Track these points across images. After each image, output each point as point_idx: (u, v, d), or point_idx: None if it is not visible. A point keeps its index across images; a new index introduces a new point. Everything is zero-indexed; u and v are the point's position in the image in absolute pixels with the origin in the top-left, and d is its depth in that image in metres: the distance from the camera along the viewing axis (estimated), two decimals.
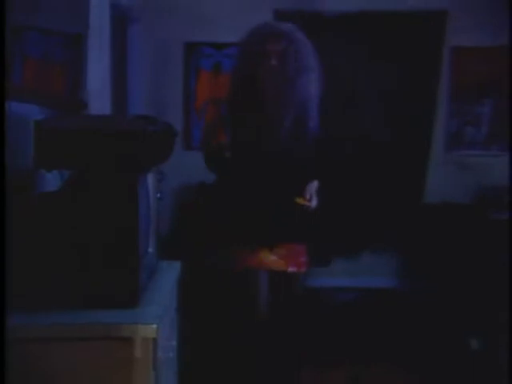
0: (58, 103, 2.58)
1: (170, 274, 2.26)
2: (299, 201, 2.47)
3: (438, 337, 3.80)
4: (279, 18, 4.16)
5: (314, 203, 2.49)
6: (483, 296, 4.09)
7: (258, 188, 2.49)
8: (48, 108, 2.37)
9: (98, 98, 3.19)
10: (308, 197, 2.48)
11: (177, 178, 3.80)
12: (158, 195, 2.29)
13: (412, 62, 4.64)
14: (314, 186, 2.53)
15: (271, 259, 2.53)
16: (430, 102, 4.76)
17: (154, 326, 1.74)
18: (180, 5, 4.30)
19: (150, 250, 2.11)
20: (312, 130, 2.53)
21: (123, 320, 1.75)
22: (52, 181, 1.96)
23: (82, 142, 1.81)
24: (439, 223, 4.63)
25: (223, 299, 2.79)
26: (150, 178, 2.05)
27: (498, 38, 4.60)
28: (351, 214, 4.53)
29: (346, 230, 4.53)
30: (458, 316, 4.02)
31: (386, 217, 4.73)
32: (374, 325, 4.02)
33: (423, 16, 4.57)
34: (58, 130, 1.80)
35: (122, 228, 1.80)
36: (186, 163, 3.80)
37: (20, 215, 1.73)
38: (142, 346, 1.73)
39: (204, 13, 4.27)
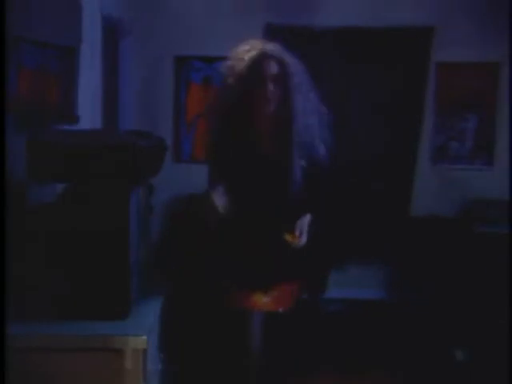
0: (52, 116, 2.61)
1: (158, 286, 2.29)
2: (288, 238, 2.26)
3: (424, 347, 3.83)
4: (270, 32, 4.21)
5: (303, 240, 2.27)
6: (469, 308, 4.14)
7: (252, 225, 2.28)
8: (42, 120, 2.40)
9: (90, 111, 3.22)
10: (298, 233, 2.26)
11: (167, 191, 3.83)
12: (149, 209, 2.32)
13: (399, 77, 4.71)
14: (305, 221, 2.30)
15: (264, 301, 2.36)
16: (416, 117, 4.83)
17: (144, 337, 1.77)
18: (170, 18, 4.34)
19: (141, 262, 2.13)
20: (320, 158, 2.30)
21: (114, 332, 1.78)
22: (44, 193, 1.99)
23: (76, 156, 1.84)
24: (425, 236, 4.68)
25: (214, 334, 2.70)
26: (141, 192, 2.08)
27: (483, 55, 4.69)
28: (339, 226, 4.57)
29: (334, 243, 4.57)
30: (443, 327, 4.07)
31: (374, 229, 4.78)
32: (361, 336, 4.05)
33: (410, 32, 4.64)
34: (52, 145, 1.83)
35: (114, 241, 1.83)
36: (176, 176, 3.84)
37: (14, 227, 1.76)
38: (133, 358, 1.75)
39: (194, 27, 4.31)
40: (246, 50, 2.20)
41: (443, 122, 4.90)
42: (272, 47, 2.23)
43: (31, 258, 1.85)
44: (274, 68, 2.20)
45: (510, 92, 4.57)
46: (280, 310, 2.36)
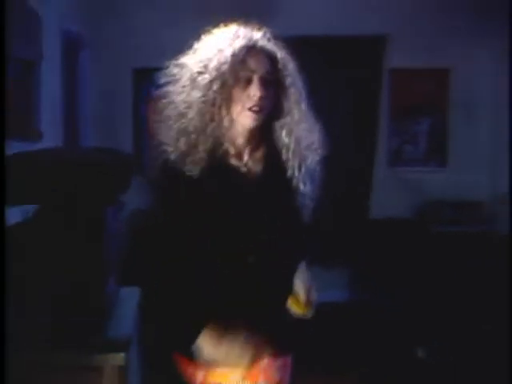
0: (15, 133, 2.58)
1: (131, 300, 2.30)
2: (295, 308, 1.64)
3: (387, 346, 3.93)
4: None
5: (314, 296, 1.69)
6: (429, 306, 4.26)
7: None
8: (6, 138, 2.37)
9: (51, 126, 3.19)
10: (305, 295, 1.67)
11: (130, 205, 3.80)
12: (118, 224, 2.32)
13: (355, 84, 4.82)
14: (306, 273, 1.75)
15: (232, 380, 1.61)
16: (372, 122, 4.96)
17: (122, 354, 1.78)
18: (129, 31, 4.33)
19: (112, 278, 2.14)
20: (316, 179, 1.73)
21: (91, 349, 1.79)
22: (14, 215, 1.98)
23: (46, 176, 1.84)
24: (384, 238, 4.79)
25: None
26: (112, 210, 2.10)
27: (433, 61, 4.85)
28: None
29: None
30: (406, 326, 4.18)
31: (336, 233, 4.85)
32: (327, 337, 4.11)
33: (364, 40, 4.76)
34: (22, 166, 1.83)
35: (87, 258, 1.84)
36: (139, 189, 3.82)
37: None
38: (112, 375, 1.76)
39: (153, 39, 4.30)
40: (228, 39, 1.62)
41: (398, 126, 5.05)
42: (262, 37, 1.67)
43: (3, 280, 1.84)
44: (264, 65, 1.61)
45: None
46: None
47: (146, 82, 4.35)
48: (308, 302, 1.64)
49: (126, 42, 4.31)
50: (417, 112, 5.04)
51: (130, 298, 2.26)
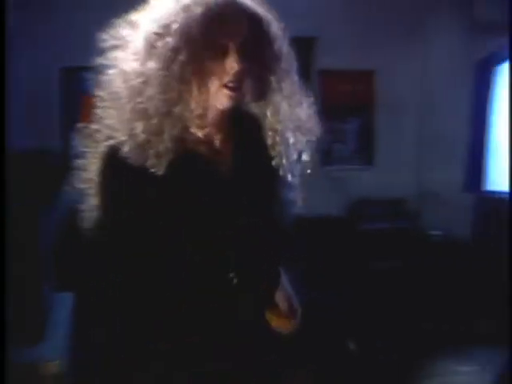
0: None
1: (66, 306, 2.26)
2: (275, 321, 1.41)
3: (321, 340, 4.03)
4: None
5: (298, 318, 1.44)
6: (359, 303, 4.40)
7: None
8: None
9: None
10: (287, 304, 1.41)
11: (66, 202, 3.74)
12: (52, 225, 2.29)
13: None
14: (287, 283, 1.47)
15: None
16: None
17: (57, 361, 1.76)
18: (57, 29, 4.23)
19: (46, 283, 2.11)
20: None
21: (26, 358, 1.76)
22: None
23: None
24: (314, 236, 4.89)
25: None
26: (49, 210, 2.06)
27: (359, 63, 5.00)
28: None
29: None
30: (337, 322, 4.29)
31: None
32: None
33: (294, 42, 4.84)
34: None
35: (25, 263, 1.81)
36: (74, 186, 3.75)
37: None
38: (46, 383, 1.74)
39: (82, 38, 4.21)
40: None
41: (328, 125, 5.16)
42: None
43: None
44: (244, 28, 1.25)
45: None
46: None
47: (74, 81, 4.28)
48: (291, 312, 1.41)
49: (53, 41, 4.22)
50: (346, 112, 5.19)
51: (64, 304, 2.23)
